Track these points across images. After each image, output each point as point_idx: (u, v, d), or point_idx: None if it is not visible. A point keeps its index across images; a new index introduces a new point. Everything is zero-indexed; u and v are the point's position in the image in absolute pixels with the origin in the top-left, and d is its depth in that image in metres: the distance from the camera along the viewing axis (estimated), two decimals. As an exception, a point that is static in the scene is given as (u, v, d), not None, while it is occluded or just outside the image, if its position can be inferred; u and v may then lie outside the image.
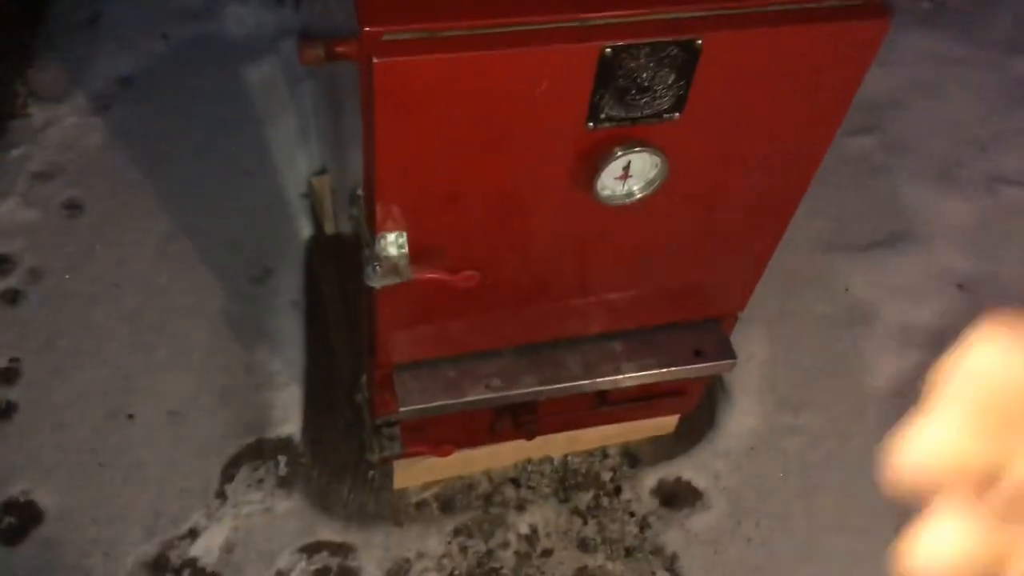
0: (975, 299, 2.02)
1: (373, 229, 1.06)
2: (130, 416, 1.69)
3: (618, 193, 1.09)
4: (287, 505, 1.60)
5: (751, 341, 1.87)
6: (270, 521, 1.59)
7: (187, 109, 2.21)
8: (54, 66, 2.28)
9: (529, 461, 1.71)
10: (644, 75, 0.97)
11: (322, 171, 1.98)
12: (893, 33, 2.91)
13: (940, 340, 1.93)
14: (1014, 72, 2.56)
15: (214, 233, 1.96)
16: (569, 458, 1.72)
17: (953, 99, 2.47)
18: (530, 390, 1.36)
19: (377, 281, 1.07)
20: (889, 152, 2.31)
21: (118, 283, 1.87)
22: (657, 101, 1.01)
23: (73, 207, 1.99)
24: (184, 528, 1.57)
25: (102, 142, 2.12)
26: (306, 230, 1.99)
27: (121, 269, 1.89)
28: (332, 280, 1.89)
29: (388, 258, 1.07)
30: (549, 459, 1.71)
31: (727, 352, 1.42)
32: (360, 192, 1.11)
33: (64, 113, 2.16)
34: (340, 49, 1.00)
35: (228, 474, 1.63)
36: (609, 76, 0.96)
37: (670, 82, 0.99)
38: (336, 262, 1.90)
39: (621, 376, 1.38)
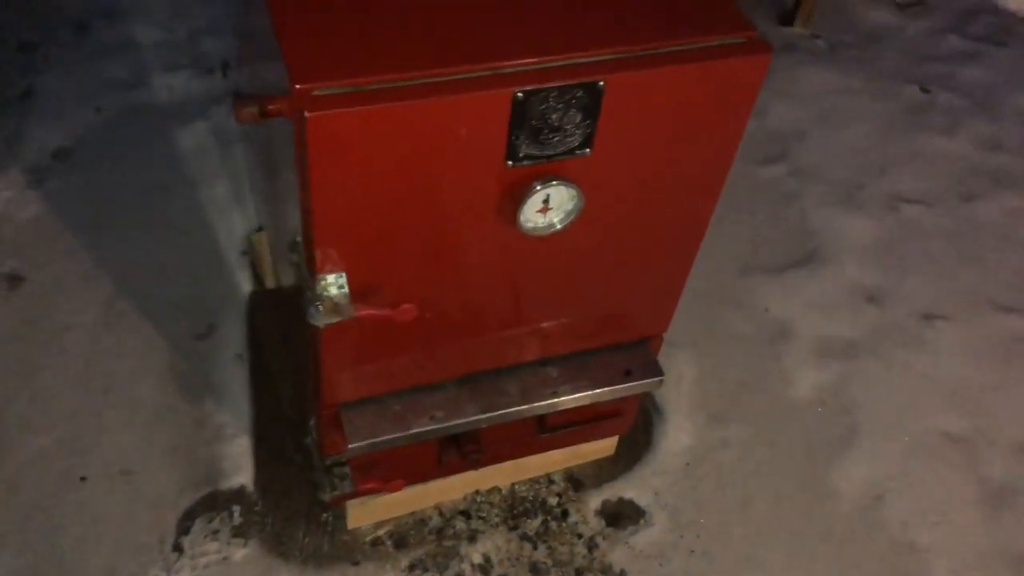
0: (885, 310, 2.16)
1: (313, 272, 1.13)
2: (83, 478, 1.71)
3: (540, 225, 1.18)
4: (244, 553, 1.64)
5: (680, 362, 1.97)
6: (227, 570, 1.62)
7: (123, 177, 2.26)
8: (-14, 142, 2.31)
9: (478, 492, 1.77)
10: (554, 116, 1.08)
11: (260, 228, 2.04)
12: (795, 70, 3.11)
13: (855, 351, 2.06)
14: (904, 100, 2.76)
15: (156, 294, 2.01)
16: (516, 487, 1.78)
17: (852, 127, 2.65)
18: (472, 419, 1.43)
19: (320, 320, 1.14)
20: (798, 179, 2.47)
21: (63, 349, 1.89)
22: (568, 139, 1.11)
23: (14, 279, 2.01)
24: (142, 584, 1.59)
25: (40, 213, 2.15)
26: (246, 286, 2.05)
27: (65, 335, 1.92)
28: (275, 332, 1.95)
29: (329, 298, 1.14)
30: (497, 489, 1.78)
31: (655, 370, 1.51)
32: (299, 239, 1.18)
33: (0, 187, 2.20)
34: (273, 106, 1.08)
35: (183, 527, 1.66)
36: (522, 118, 1.06)
37: (578, 121, 1.09)
38: (278, 314, 1.95)
39: (558, 399, 1.47)
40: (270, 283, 2.02)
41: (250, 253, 2.08)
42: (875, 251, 2.30)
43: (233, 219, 2.18)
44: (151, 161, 2.32)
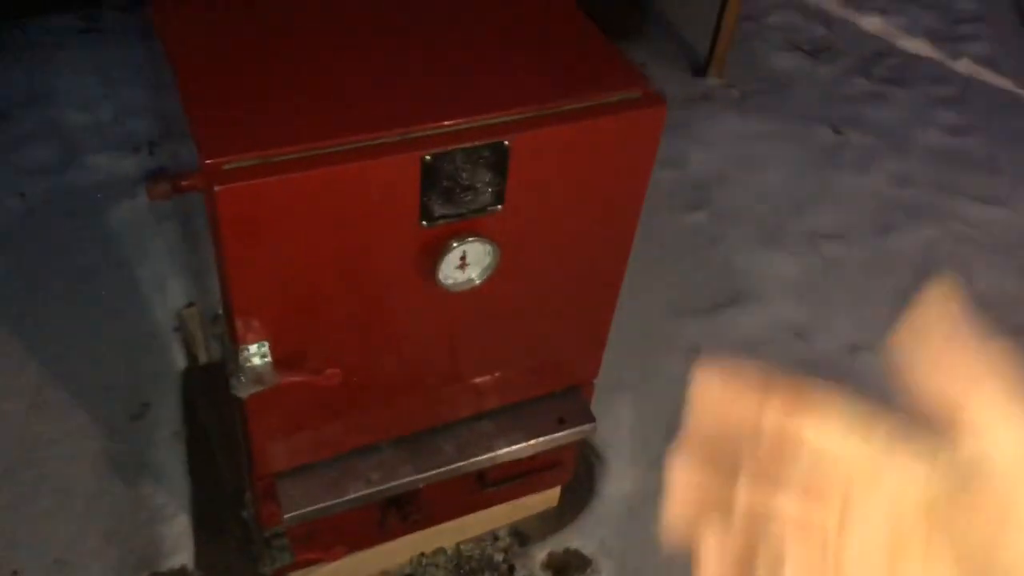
0: (812, 344, 2.22)
1: (235, 342, 1.14)
2: (14, 573, 1.66)
3: (459, 281, 1.21)
4: (186, 636, 1.60)
5: (618, 408, 2.00)
6: (170, 655, 1.58)
7: (50, 261, 2.24)
8: (-93, 235, 2.28)
9: (423, 555, 1.76)
10: (464, 175, 1.11)
11: (190, 304, 2.04)
12: (711, 118, 3.21)
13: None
14: (815, 141, 2.87)
15: (88, 377, 1.98)
16: (461, 546, 1.78)
17: (770, 169, 2.75)
18: (409, 479, 1.43)
19: (243, 391, 1.15)
20: (720, 223, 2.54)
21: (-10, 440, 1.85)
22: (480, 196, 1.14)
23: (-64, 372, 1.97)
24: (80, 677, 1.54)
25: (-37, 304, 2.12)
26: (180, 362, 2.03)
27: (-7, 426, 1.88)
28: (210, 407, 1.93)
29: (252, 368, 1.15)
30: (442, 550, 1.77)
31: (587, 416, 1.53)
32: (220, 311, 1.19)
33: (-80, 280, 2.16)
34: (185, 183, 1.10)
35: (122, 614, 1.62)
36: (433, 180, 1.09)
37: (488, 179, 1.13)
38: (212, 389, 1.94)
39: (494, 453, 1.48)
40: (203, 358, 2.01)
41: (181, 329, 2.07)
42: (799, 287, 2.37)
43: (165, 296, 2.17)
44: (80, 243, 2.30)
